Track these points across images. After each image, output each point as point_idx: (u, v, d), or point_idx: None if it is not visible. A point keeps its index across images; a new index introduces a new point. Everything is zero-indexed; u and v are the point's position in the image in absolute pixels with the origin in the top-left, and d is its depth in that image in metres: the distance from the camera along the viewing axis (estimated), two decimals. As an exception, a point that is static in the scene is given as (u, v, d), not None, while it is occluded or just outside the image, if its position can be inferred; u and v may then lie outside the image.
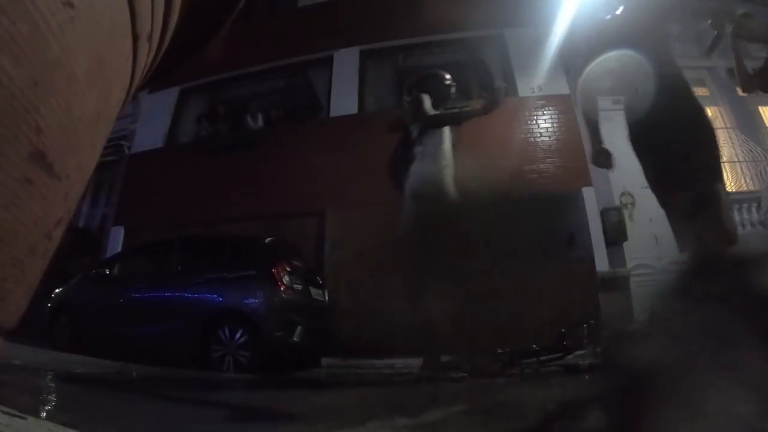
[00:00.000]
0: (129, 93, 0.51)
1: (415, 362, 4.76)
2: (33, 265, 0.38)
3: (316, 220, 6.72)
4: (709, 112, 2.22)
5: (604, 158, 2.45)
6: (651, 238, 6.29)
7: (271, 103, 8.21)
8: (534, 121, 6.82)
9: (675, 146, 1.92)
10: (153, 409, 2.06)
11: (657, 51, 2.10)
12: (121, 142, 8.19)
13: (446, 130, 3.29)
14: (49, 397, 1.93)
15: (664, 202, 2.01)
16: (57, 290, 5.20)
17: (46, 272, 0.41)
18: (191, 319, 4.35)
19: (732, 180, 6.30)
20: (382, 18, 7.85)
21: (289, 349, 4.35)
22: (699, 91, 5.37)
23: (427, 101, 3.32)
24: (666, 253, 6.11)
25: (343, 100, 7.60)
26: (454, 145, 3.36)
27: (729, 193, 2.20)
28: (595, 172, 6.41)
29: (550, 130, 6.69)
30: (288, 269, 4.51)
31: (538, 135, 6.69)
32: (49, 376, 2.57)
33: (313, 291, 4.89)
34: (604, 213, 6.16)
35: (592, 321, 4.57)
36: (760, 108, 7.03)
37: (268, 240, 5.00)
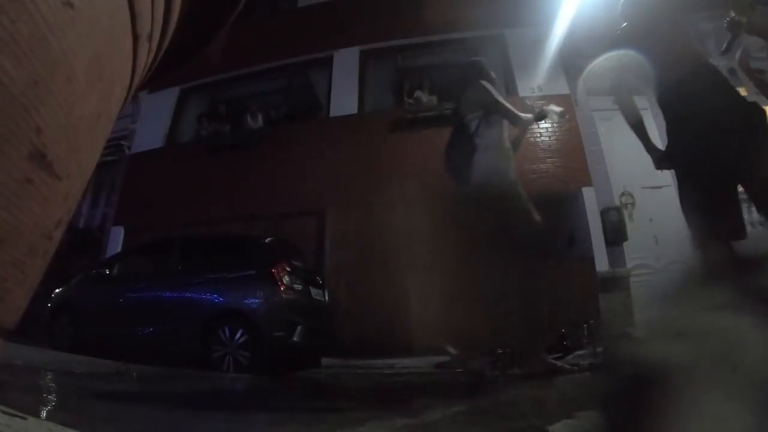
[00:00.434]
0: (129, 93, 0.51)
1: (414, 362, 4.77)
2: (33, 265, 0.38)
3: (316, 220, 6.72)
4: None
5: (664, 161, 2.35)
6: (651, 238, 6.29)
7: (271, 103, 8.21)
8: (534, 121, 6.82)
9: (731, 138, 1.85)
10: (153, 409, 2.06)
11: (681, 47, 2.06)
12: (121, 142, 8.19)
13: (505, 123, 3.25)
14: (49, 397, 1.93)
15: (703, 198, 1.91)
16: (57, 290, 5.20)
17: (46, 272, 0.41)
18: (191, 319, 4.35)
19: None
20: (382, 18, 7.84)
21: (289, 349, 4.35)
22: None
23: (495, 90, 3.26)
24: (666, 253, 6.12)
25: (343, 100, 7.60)
26: (512, 142, 3.30)
27: None
28: (595, 172, 6.43)
29: (550, 130, 6.68)
30: (288, 269, 4.51)
31: (538, 135, 6.69)
32: (49, 376, 2.57)
33: (313, 291, 4.88)
34: (604, 213, 6.15)
35: (592, 321, 4.57)
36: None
37: (268, 240, 5.00)
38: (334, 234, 6.56)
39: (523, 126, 3.37)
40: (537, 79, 6.97)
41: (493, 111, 3.17)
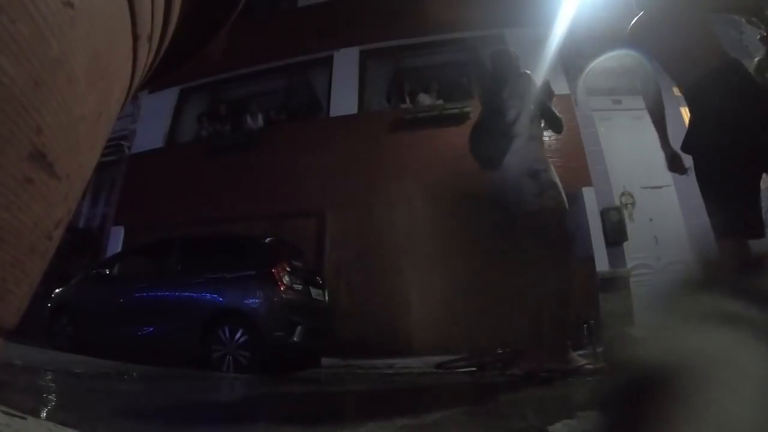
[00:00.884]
0: (129, 93, 0.51)
1: (415, 362, 4.77)
2: (33, 265, 0.38)
3: (316, 220, 6.72)
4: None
5: (678, 163, 2.29)
6: (651, 238, 6.29)
7: (271, 103, 8.21)
8: (534, 121, 6.82)
9: (758, 132, 1.83)
10: (153, 409, 2.06)
11: (706, 42, 2.04)
12: (121, 142, 8.18)
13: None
14: (49, 397, 1.93)
15: (734, 190, 1.88)
16: (57, 290, 5.20)
17: (46, 272, 0.41)
18: (191, 319, 4.35)
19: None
20: (382, 18, 7.84)
21: (289, 349, 4.35)
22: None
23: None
24: (666, 253, 6.12)
25: (343, 100, 7.60)
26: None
27: None
28: (595, 172, 6.43)
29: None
30: (288, 269, 4.51)
31: (538, 135, 6.69)
32: (49, 376, 2.57)
33: (313, 291, 4.89)
34: (604, 213, 6.15)
35: (592, 321, 4.57)
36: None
37: (268, 240, 5.00)
38: (334, 234, 6.56)
39: (560, 132, 3.35)
40: (537, 79, 6.96)
41: (537, 107, 3.11)
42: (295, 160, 6.99)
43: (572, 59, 6.62)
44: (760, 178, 1.93)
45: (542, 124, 3.25)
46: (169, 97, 8.40)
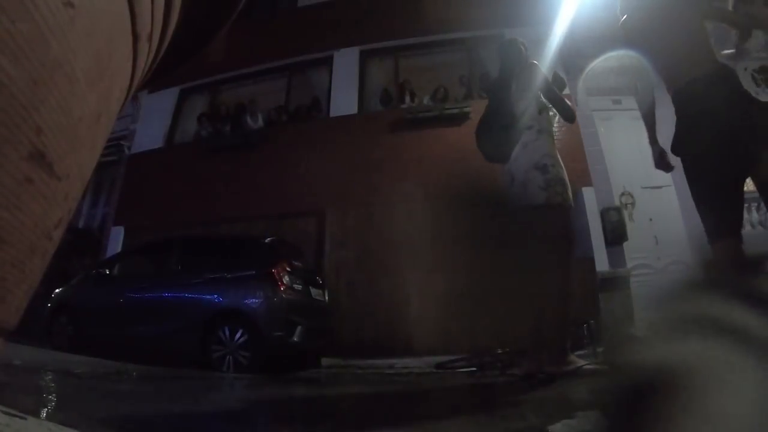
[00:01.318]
0: (129, 93, 0.51)
1: (414, 362, 4.77)
2: (33, 265, 0.38)
3: (316, 220, 6.72)
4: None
5: (665, 161, 2.30)
6: (651, 238, 6.29)
7: (271, 103, 8.21)
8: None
9: (745, 135, 1.84)
10: (153, 409, 2.06)
11: (699, 51, 2.05)
12: (121, 142, 8.19)
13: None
14: (49, 397, 1.93)
15: (729, 191, 1.89)
16: (57, 290, 5.20)
17: (46, 272, 0.41)
18: (191, 320, 4.35)
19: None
20: (382, 18, 7.85)
21: (289, 349, 4.35)
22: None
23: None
24: (666, 253, 6.12)
25: (343, 100, 7.60)
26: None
27: None
28: (595, 172, 6.43)
29: (550, 130, 6.69)
30: (288, 269, 4.51)
31: (538, 135, 6.69)
32: (49, 376, 2.57)
33: (313, 291, 4.89)
34: (604, 213, 6.15)
35: (592, 321, 4.57)
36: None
37: (268, 240, 5.00)
38: (334, 234, 6.56)
39: (572, 121, 3.24)
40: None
41: (546, 97, 3.03)
42: (295, 160, 6.99)
43: (572, 59, 6.62)
44: (743, 182, 1.94)
45: (551, 117, 3.17)
46: (169, 97, 8.40)
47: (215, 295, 4.45)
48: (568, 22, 6.24)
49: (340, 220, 6.62)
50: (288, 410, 2.31)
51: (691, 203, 2.03)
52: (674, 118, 2.11)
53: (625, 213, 6.32)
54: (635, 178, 6.43)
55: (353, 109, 7.55)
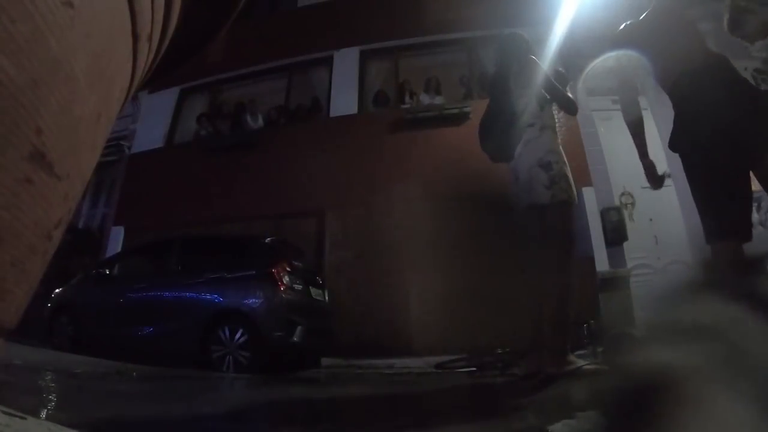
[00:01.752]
0: (129, 93, 0.51)
1: (415, 362, 4.77)
2: (33, 265, 0.38)
3: (316, 220, 6.72)
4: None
5: (655, 175, 2.26)
6: (651, 238, 6.29)
7: (271, 103, 8.22)
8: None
9: (748, 128, 1.79)
10: (153, 409, 2.06)
11: (691, 44, 2.02)
12: (121, 142, 8.19)
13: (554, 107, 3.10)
14: (49, 397, 1.93)
15: (722, 189, 1.83)
16: (57, 290, 5.20)
17: (46, 272, 0.41)
18: (191, 320, 4.35)
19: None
20: (382, 18, 7.85)
21: (289, 349, 4.35)
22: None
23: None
24: (666, 253, 6.12)
25: (343, 100, 7.61)
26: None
27: None
28: (595, 172, 6.43)
29: (550, 130, 6.69)
30: (288, 269, 4.51)
31: (538, 135, 6.69)
32: (49, 376, 2.57)
33: (313, 291, 4.89)
34: (604, 213, 6.16)
35: (592, 321, 4.57)
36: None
37: (268, 240, 5.00)
38: (334, 234, 6.57)
39: (575, 113, 3.16)
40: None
41: (546, 92, 2.97)
42: (295, 160, 6.99)
43: (572, 59, 6.61)
44: (748, 176, 1.86)
45: (555, 112, 3.14)
46: (169, 97, 8.40)
47: (215, 295, 4.45)
48: (568, 22, 6.24)
49: (340, 220, 6.62)
50: (288, 410, 2.31)
51: (691, 203, 1.99)
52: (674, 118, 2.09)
53: (625, 213, 6.32)
54: (635, 178, 6.41)
55: (353, 109, 7.56)
